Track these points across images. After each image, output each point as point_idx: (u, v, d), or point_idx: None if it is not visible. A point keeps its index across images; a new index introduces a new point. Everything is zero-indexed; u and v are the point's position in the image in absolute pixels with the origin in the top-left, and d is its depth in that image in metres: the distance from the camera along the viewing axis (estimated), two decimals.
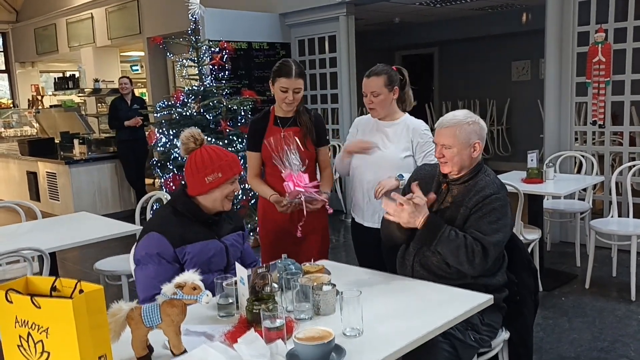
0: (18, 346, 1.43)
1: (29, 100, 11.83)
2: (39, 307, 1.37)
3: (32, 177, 8.12)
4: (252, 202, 5.32)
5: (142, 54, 9.91)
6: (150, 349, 1.66)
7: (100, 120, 9.66)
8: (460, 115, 2.30)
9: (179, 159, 5.29)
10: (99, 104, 10.12)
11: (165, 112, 5.67)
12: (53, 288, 1.45)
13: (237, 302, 1.97)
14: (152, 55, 8.96)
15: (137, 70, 12.05)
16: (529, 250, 3.84)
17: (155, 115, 5.87)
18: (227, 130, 5.34)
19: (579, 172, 5.17)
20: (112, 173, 7.56)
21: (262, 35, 6.67)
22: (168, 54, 7.46)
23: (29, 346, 1.41)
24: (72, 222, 3.86)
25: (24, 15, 11.82)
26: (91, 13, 9.84)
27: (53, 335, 1.37)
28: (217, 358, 1.59)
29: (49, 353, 1.39)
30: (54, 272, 3.15)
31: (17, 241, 3.20)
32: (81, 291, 1.39)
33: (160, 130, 5.57)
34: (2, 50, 12.40)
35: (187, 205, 2.28)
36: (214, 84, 5.60)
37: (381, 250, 2.68)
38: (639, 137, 5.93)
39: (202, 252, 2.23)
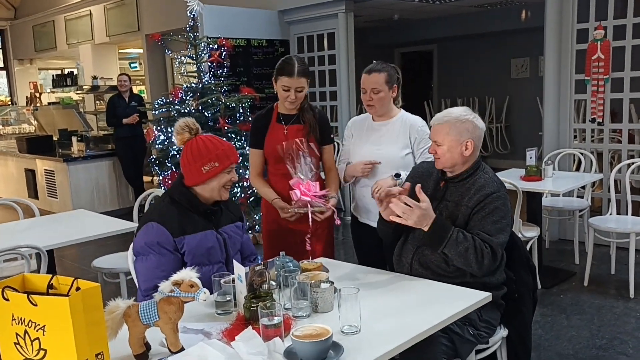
0: (15, 344, 1.43)
1: (27, 97, 11.80)
2: (36, 305, 1.37)
3: (30, 174, 8.11)
4: (251, 199, 5.32)
5: (141, 51, 9.90)
6: (148, 346, 1.66)
7: (98, 117, 9.65)
8: (455, 112, 2.27)
9: (177, 156, 5.29)
10: (97, 102, 10.09)
11: (163, 110, 5.66)
12: (50, 286, 1.45)
13: (234, 299, 1.96)
14: (151, 53, 8.95)
15: (136, 67, 12.03)
16: (528, 247, 3.84)
17: (153, 112, 5.86)
18: (226, 127, 5.32)
19: (577, 169, 5.17)
20: (110, 170, 7.54)
21: (260, 32, 6.65)
22: (166, 51, 7.47)
23: (25, 344, 1.41)
24: (70, 220, 3.85)
25: (22, 12, 11.80)
26: (89, 10, 9.82)
27: (50, 332, 1.37)
28: (214, 355, 1.59)
29: (45, 350, 1.39)
30: (51, 269, 3.14)
31: (15, 239, 3.20)
32: (78, 289, 1.39)
33: (159, 128, 5.57)
34: (0, 47, 12.37)
35: (185, 196, 2.24)
36: (213, 81, 5.59)
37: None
38: (638, 135, 5.94)
39: (201, 244, 2.22)
